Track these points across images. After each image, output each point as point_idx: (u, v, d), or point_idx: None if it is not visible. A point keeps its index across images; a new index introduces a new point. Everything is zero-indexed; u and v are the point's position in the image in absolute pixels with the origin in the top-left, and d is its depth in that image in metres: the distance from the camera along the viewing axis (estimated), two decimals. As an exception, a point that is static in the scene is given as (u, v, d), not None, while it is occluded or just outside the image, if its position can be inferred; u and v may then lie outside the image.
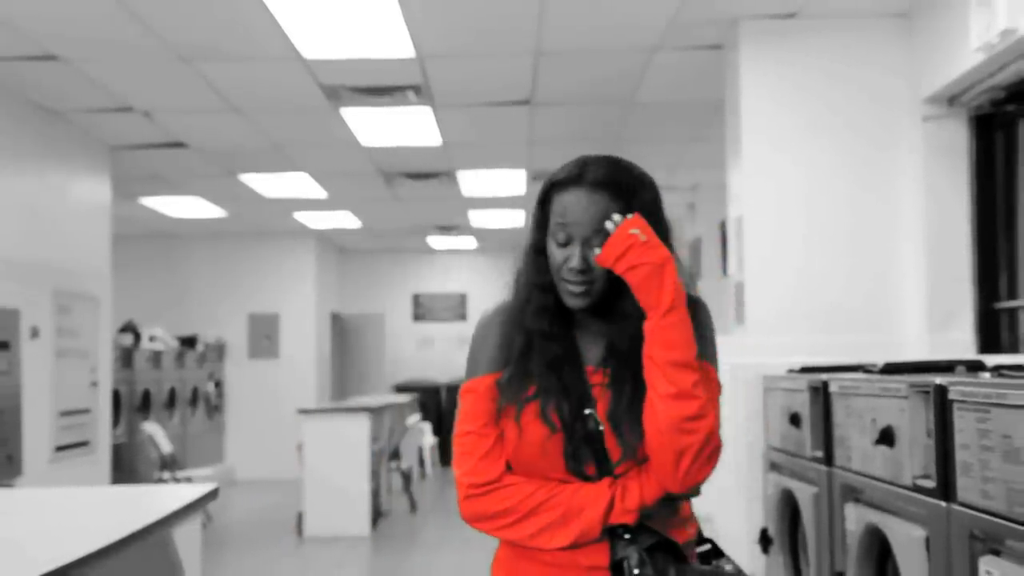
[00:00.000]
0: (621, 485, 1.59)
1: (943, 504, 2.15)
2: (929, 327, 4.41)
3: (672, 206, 9.75)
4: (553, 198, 1.67)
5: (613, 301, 1.65)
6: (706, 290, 8.88)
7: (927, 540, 2.18)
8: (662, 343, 1.56)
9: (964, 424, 2.02)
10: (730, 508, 4.00)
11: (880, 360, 3.08)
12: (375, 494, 8.19)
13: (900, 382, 2.34)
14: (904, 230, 4.56)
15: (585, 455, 1.61)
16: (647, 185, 1.68)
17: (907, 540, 2.25)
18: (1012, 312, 4.31)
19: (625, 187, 1.63)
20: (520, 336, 1.68)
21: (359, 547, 7.40)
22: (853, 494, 2.71)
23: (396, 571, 6.54)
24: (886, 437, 2.37)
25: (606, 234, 1.60)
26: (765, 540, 3.49)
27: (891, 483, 2.43)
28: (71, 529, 2.22)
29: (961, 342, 4.35)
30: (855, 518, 2.59)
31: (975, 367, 2.59)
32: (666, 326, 1.56)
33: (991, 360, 2.93)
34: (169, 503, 2.42)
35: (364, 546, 7.44)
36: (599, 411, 1.62)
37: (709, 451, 1.55)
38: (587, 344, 1.69)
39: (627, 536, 1.57)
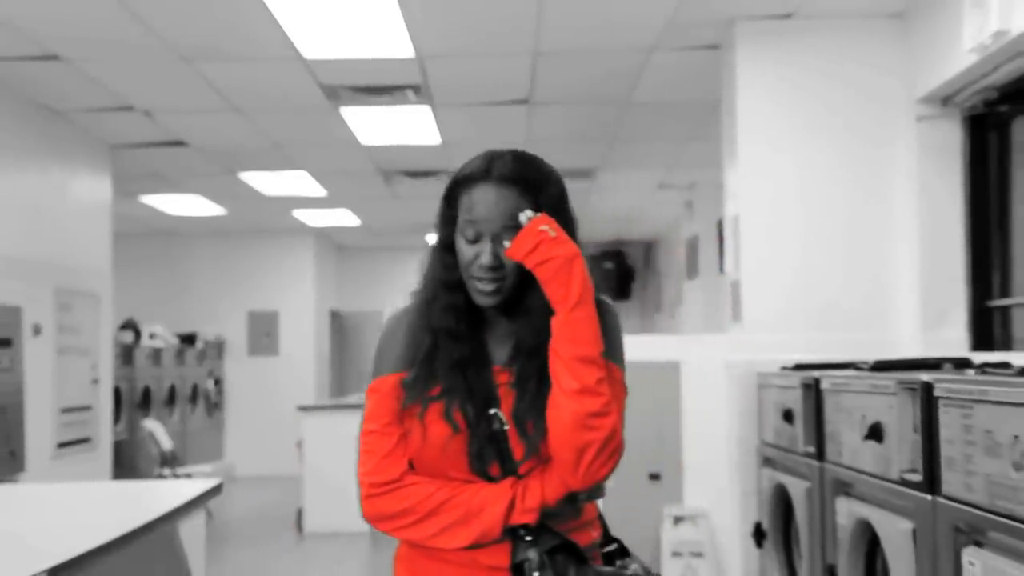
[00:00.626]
0: (523, 485, 1.57)
1: (929, 497, 2.20)
2: (923, 325, 4.45)
3: (670, 204, 9.83)
4: (460, 194, 1.66)
5: (521, 299, 1.64)
6: (703, 288, 8.94)
7: (914, 532, 2.23)
8: (569, 338, 1.55)
9: (949, 420, 2.07)
10: (725, 503, 4.06)
11: (875, 358, 3.13)
12: (374, 491, 8.23)
13: (889, 379, 2.40)
14: (899, 229, 4.61)
15: (489, 455, 1.60)
16: (553, 180, 1.67)
17: (895, 533, 2.30)
18: (1005, 310, 4.35)
19: (533, 182, 1.63)
20: (427, 336, 1.66)
21: (359, 543, 7.45)
22: (844, 488, 2.76)
23: (395, 567, 6.58)
24: (875, 433, 2.42)
25: (516, 229, 1.59)
26: (759, 534, 3.54)
27: (880, 477, 2.49)
28: (80, 524, 2.26)
29: (955, 340, 4.40)
30: (846, 512, 2.64)
31: (962, 364, 2.64)
32: (573, 320, 1.55)
33: (981, 357, 2.98)
34: (174, 498, 2.47)
35: (363, 542, 7.49)
36: (504, 410, 1.61)
37: (611, 448, 1.53)
38: (495, 343, 1.68)
39: (528, 537, 1.56)
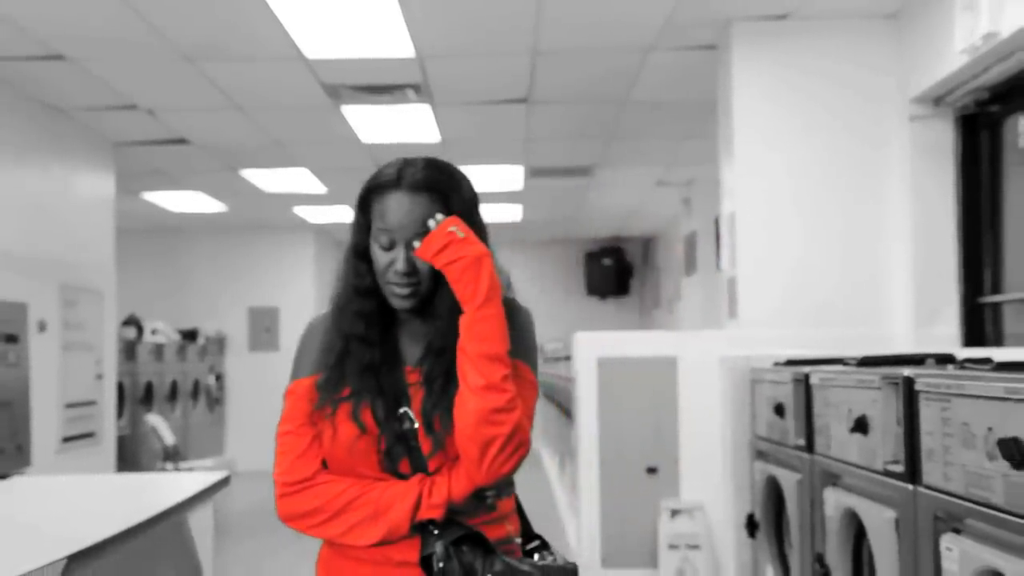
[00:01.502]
0: (430, 481, 1.61)
1: (910, 487, 2.28)
2: (916, 321, 4.52)
3: (668, 201, 9.89)
4: (373, 201, 1.68)
5: (432, 300, 1.68)
6: (701, 284, 9.01)
7: (896, 521, 2.32)
8: (476, 335, 1.59)
9: (929, 413, 2.15)
10: (719, 495, 4.13)
11: (868, 353, 3.21)
12: (375, 485, 8.31)
13: (873, 374, 2.48)
14: (892, 227, 4.68)
15: (399, 453, 1.64)
16: (464, 186, 1.72)
17: (879, 522, 2.38)
18: (996, 307, 4.43)
19: (443, 188, 1.67)
20: (339, 340, 1.70)
21: (359, 537, 7.52)
22: (832, 480, 2.84)
23: (396, 560, 6.66)
24: (861, 426, 2.51)
25: (428, 233, 1.63)
26: (751, 525, 3.62)
27: (865, 468, 2.57)
28: (94, 513, 2.33)
29: (947, 336, 4.47)
30: (833, 502, 2.73)
31: (945, 360, 2.72)
32: (480, 319, 1.59)
33: (967, 353, 3.06)
34: (184, 490, 2.54)
35: (364, 536, 7.56)
36: (414, 408, 1.65)
37: (515, 443, 1.57)
38: (408, 344, 1.72)
39: (435, 532, 1.59)
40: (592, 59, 5.40)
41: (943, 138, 4.55)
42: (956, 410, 2.01)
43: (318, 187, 9.12)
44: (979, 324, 4.49)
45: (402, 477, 1.64)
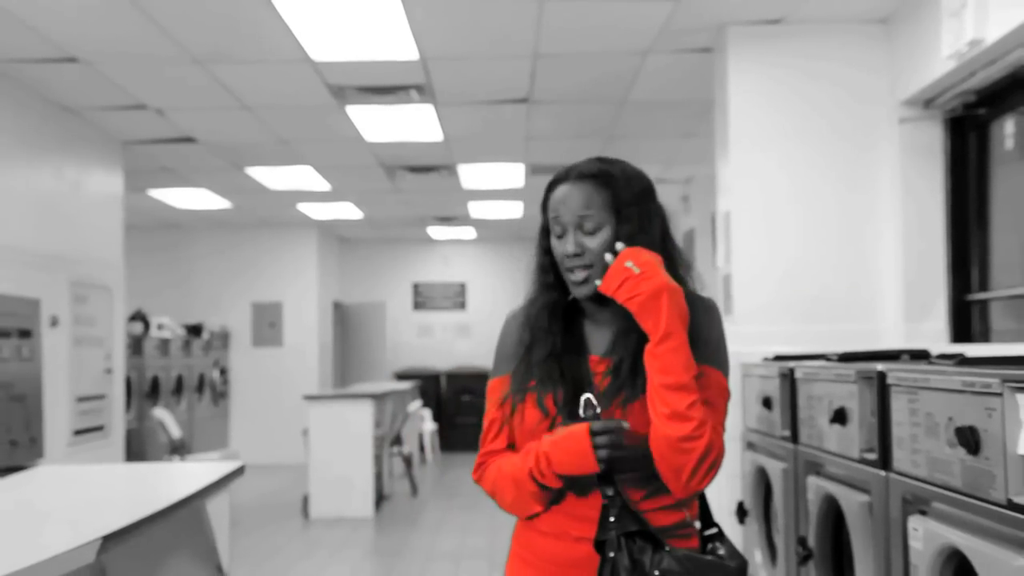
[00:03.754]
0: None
1: (882, 473, 2.45)
2: (906, 317, 4.64)
3: (667, 198, 9.98)
4: (548, 198, 1.80)
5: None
6: (698, 281, 9.11)
7: (870, 505, 2.48)
8: (658, 368, 1.64)
9: (899, 404, 2.32)
10: (715, 486, 4.28)
11: (859, 349, 3.36)
12: (378, 478, 8.45)
13: (851, 369, 2.64)
14: (883, 225, 4.80)
15: None
16: (633, 177, 1.78)
17: (854, 506, 2.55)
18: (983, 303, 4.55)
19: (608, 177, 1.75)
20: (527, 333, 1.82)
21: (363, 528, 7.67)
22: (815, 468, 3.00)
23: (398, 551, 6.80)
24: (840, 417, 2.67)
25: (593, 219, 1.72)
26: (741, 512, 3.79)
27: (844, 456, 2.74)
28: (121, 499, 2.47)
29: (936, 332, 4.59)
30: (815, 489, 2.89)
31: (919, 356, 2.88)
32: (661, 353, 1.64)
33: (945, 349, 3.21)
34: (204, 477, 2.68)
35: (368, 527, 7.71)
36: (597, 395, 1.72)
37: (707, 465, 1.65)
38: (594, 335, 1.80)
39: (612, 519, 1.66)
40: (591, 62, 5.53)
41: (932, 139, 4.67)
42: (922, 402, 2.17)
43: (322, 184, 9.24)
44: (967, 320, 4.61)
45: None
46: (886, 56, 4.78)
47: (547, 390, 1.74)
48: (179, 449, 8.48)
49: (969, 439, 1.89)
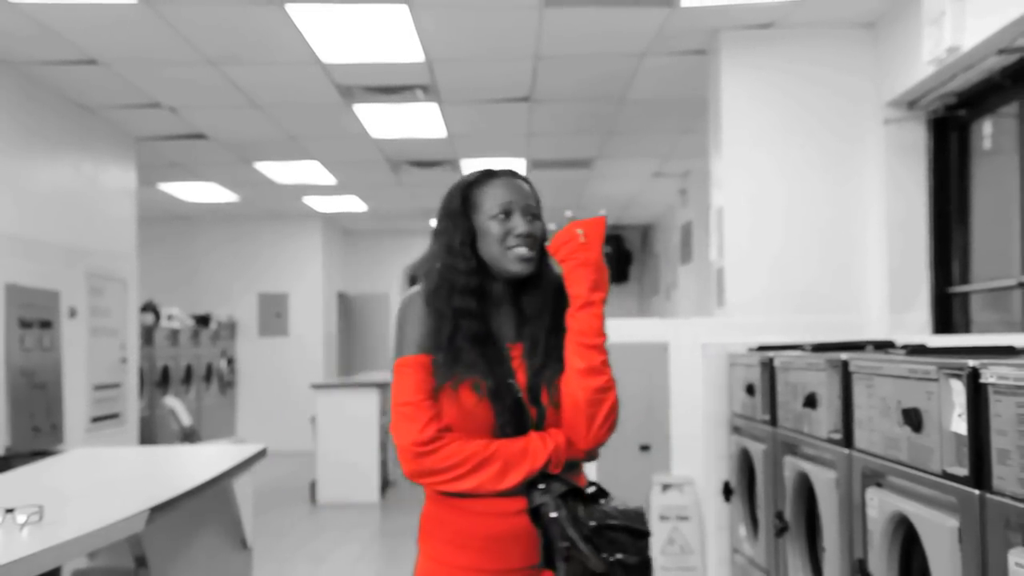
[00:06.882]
0: (553, 441, 1.85)
1: (846, 451, 2.73)
2: (891, 308, 4.85)
3: (665, 191, 10.20)
4: (476, 193, 1.93)
5: (524, 283, 1.93)
6: (696, 272, 9.32)
7: (836, 480, 2.78)
8: (578, 330, 1.87)
9: (859, 389, 2.59)
10: (700, 465, 4.52)
11: (845, 339, 3.61)
12: (383, 464, 8.68)
13: (821, 358, 2.90)
14: (868, 221, 5.00)
15: (509, 420, 1.87)
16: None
17: (824, 482, 2.85)
18: (964, 296, 4.76)
19: (530, 183, 1.98)
20: (447, 318, 1.88)
21: (369, 513, 7.90)
22: (791, 449, 3.26)
23: (404, 533, 7.01)
24: (811, 401, 2.94)
25: (535, 209, 1.91)
26: (727, 491, 4.06)
27: (814, 438, 3.03)
28: (161, 476, 2.70)
29: (918, 323, 4.80)
30: (791, 467, 3.16)
31: (883, 346, 3.13)
32: (583, 317, 1.87)
33: (909, 339, 3.47)
34: (230, 459, 2.91)
35: (374, 512, 7.94)
36: (519, 382, 1.88)
37: (614, 416, 1.88)
38: (501, 323, 1.94)
39: (541, 486, 1.83)
40: (590, 63, 5.74)
41: (916, 139, 4.87)
42: (877, 387, 2.43)
43: (328, 178, 9.45)
44: (948, 312, 4.82)
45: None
46: (872, 59, 4.98)
47: (480, 373, 1.85)
48: (190, 436, 8.69)
49: (913, 419, 2.16)
